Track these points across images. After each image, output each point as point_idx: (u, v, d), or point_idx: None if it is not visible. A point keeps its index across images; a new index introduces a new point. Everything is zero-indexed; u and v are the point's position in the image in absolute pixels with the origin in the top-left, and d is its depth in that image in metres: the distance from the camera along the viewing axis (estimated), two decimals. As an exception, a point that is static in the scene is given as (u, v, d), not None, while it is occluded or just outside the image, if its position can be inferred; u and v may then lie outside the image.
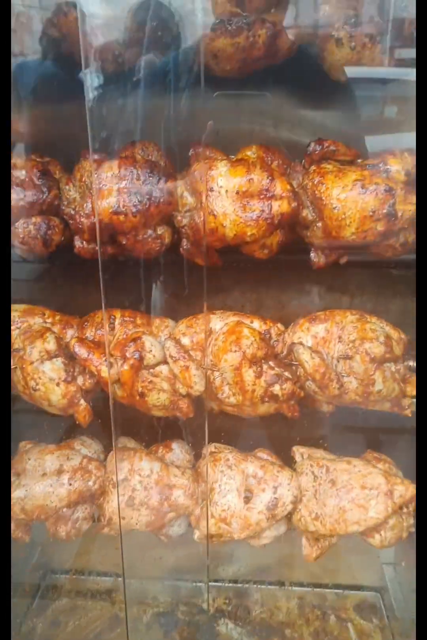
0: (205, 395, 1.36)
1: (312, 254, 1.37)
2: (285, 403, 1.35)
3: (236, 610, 2.02)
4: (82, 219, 1.19)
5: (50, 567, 2.10)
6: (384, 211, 1.24)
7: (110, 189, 1.22)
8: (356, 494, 1.42)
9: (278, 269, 1.66)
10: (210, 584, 2.09)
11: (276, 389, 1.33)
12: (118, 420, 1.50)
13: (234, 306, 1.84)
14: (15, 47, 1.33)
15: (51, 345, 1.37)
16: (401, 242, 1.32)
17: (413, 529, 1.52)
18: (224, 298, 1.84)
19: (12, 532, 1.55)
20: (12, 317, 1.45)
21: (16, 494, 1.46)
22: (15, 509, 1.44)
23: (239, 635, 1.95)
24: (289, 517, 1.51)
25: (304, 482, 1.49)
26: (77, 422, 1.39)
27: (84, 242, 1.26)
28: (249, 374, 1.32)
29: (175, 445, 1.60)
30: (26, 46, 1.36)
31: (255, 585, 2.07)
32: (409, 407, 1.42)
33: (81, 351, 1.32)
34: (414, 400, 1.41)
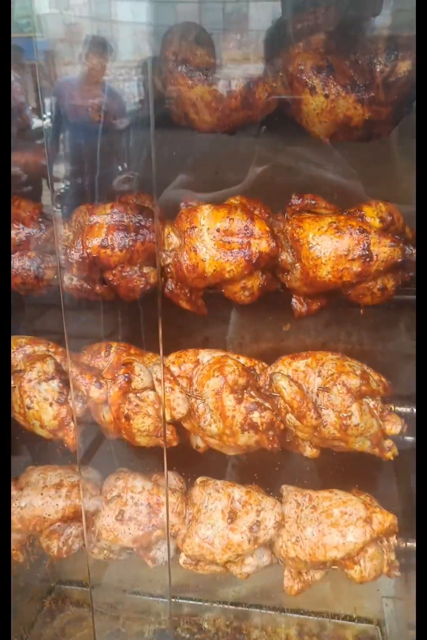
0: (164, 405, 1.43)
1: (293, 301, 1.43)
2: (264, 434, 1.41)
3: (235, 634, 2.07)
4: (72, 253, 1.30)
5: (59, 577, 2.20)
6: (359, 251, 1.29)
7: (101, 225, 1.33)
8: (335, 519, 1.47)
9: (278, 303, 1.74)
10: (214, 605, 2.14)
11: (255, 416, 1.39)
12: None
13: (234, 337, 1.91)
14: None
15: (50, 367, 1.48)
16: (378, 286, 1.37)
17: (397, 564, 1.54)
18: (224, 329, 1.92)
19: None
20: (20, 343, 1.58)
21: (17, 503, 1.57)
22: (14, 519, 1.55)
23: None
24: (271, 545, 1.56)
25: (287, 510, 1.54)
26: (66, 446, 1.49)
27: (74, 279, 1.37)
28: (229, 399, 1.39)
29: (169, 474, 1.67)
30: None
31: (256, 610, 2.11)
32: (390, 449, 1.46)
33: (74, 371, 1.43)
34: (393, 444, 1.46)
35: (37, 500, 1.58)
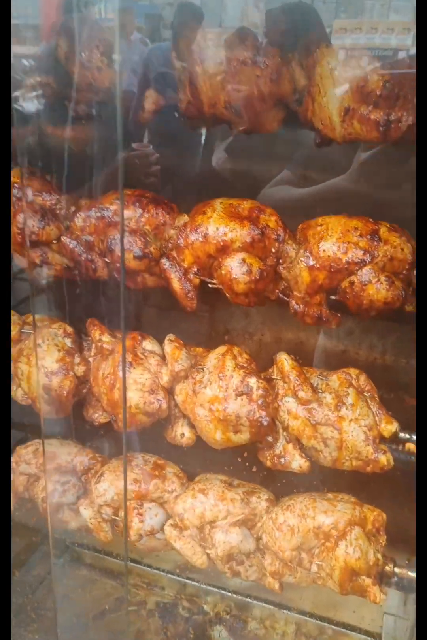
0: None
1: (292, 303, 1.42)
2: (256, 404, 1.42)
3: (233, 622, 2.11)
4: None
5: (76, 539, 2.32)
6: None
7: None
8: (328, 497, 1.51)
9: None
10: (217, 590, 2.18)
11: (252, 381, 1.41)
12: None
13: (254, 333, 1.92)
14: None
15: (69, 329, 1.60)
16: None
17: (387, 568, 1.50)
18: (246, 325, 1.93)
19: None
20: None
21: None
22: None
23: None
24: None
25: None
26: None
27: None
28: (230, 362, 1.45)
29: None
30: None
31: (257, 602, 2.13)
32: (384, 453, 1.42)
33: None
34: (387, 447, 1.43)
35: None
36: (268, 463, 1.51)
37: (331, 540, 1.44)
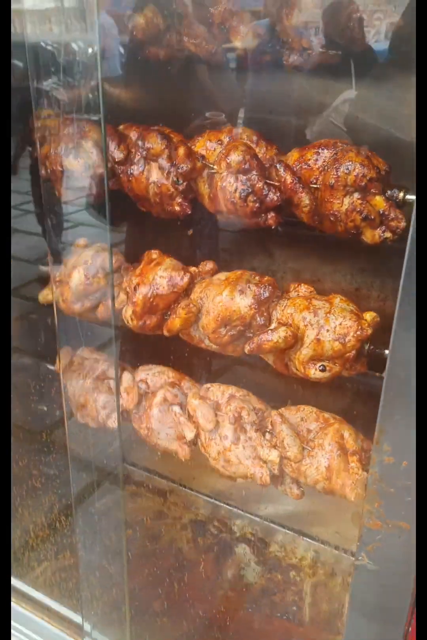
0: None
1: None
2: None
3: (257, 542, 2.28)
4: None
5: (127, 459, 2.60)
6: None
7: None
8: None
9: (320, 243, 1.86)
10: (244, 513, 2.35)
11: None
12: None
13: (269, 272, 2.06)
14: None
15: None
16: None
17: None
18: (263, 259, 2.07)
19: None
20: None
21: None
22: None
23: (249, 560, 2.21)
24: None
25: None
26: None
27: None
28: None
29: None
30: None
31: (281, 528, 2.29)
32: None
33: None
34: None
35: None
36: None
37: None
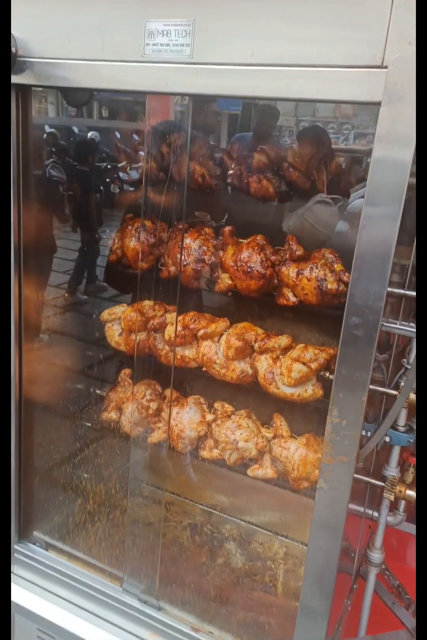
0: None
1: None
2: None
3: (241, 539, 2.90)
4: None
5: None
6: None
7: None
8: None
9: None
10: (232, 518, 2.98)
11: None
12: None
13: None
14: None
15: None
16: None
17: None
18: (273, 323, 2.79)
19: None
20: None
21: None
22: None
23: (236, 552, 2.83)
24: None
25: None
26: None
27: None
28: None
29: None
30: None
31: (261, 530, 2.92)
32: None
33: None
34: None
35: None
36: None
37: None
